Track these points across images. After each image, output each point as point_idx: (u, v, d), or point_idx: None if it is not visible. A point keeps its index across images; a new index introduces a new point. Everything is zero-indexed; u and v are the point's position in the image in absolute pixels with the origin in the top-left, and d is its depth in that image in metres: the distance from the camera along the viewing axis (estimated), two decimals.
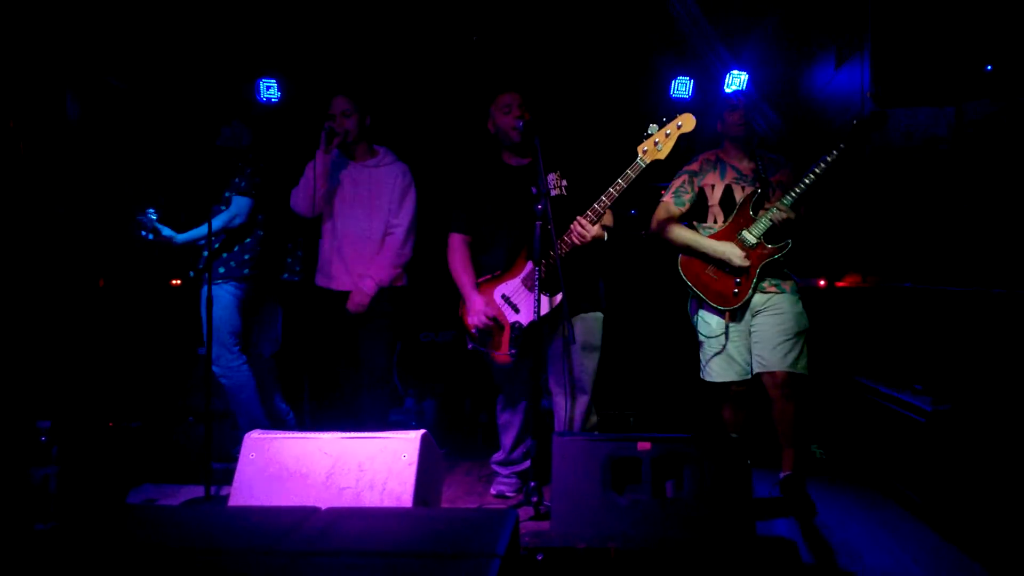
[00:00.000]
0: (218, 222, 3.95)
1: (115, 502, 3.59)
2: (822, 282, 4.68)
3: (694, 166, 3.74)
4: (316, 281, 4.04)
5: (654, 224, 3.75)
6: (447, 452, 4.63)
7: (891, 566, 2.82)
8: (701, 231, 3.69)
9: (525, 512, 3.25)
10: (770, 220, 3.48)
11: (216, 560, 1.98)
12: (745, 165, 3.69)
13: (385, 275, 3.89)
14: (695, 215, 3.75)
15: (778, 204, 3.47)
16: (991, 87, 2.95)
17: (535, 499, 3.27)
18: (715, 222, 3.66)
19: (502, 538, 2.05)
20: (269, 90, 4.97)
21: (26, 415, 3.45)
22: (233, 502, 2.82)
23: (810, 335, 3.55)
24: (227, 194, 4.08)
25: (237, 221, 4.03)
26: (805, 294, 3.67)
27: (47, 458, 3.26)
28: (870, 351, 4.24)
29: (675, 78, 5.40)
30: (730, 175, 3.67)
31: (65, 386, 4.02)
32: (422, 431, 2.86)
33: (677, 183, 3.75)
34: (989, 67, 2.82)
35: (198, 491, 3.53)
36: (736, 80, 5.21)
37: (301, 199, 3.94)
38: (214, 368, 3.93)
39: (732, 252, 3.53)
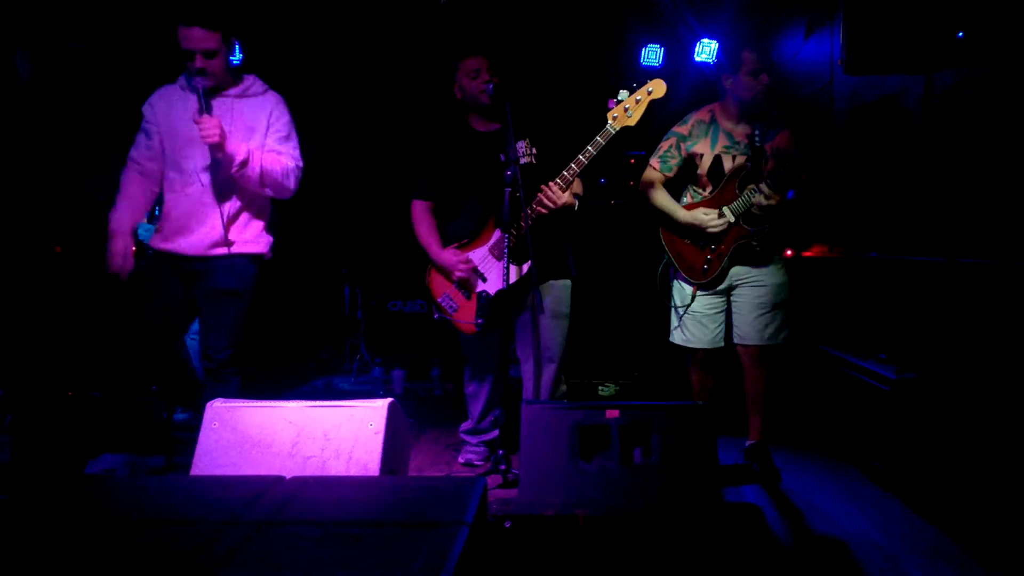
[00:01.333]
0: None
1: (73, 472, 3.51)
2: (788, 252, 4.70)
3: (684, 128, 3.52)
4: (154, 243, 3.32)
5: (641, 187, 3.63)
6: (414, 421, 4.61)
7: (854, 531, 2.87)
8: (692, 195, 3.56)
9: (493, 480, 3.25)
10: (750, 203, 3.34)
11: (177, 531, 1.93)
12: (740, 130, 3.44)
13: (262, 169, 3.18)
14: (689, 179, 3.60)
15: (762, 187, 3.31)
16: (962, 55, 2.94)
17: (503, 467, 3.26)
18: (704, 190, 3.52)
19: (470, 506, 2.03)
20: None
21: None
22: (195, 472, 2.77)
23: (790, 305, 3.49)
24: None
25: None
26: None
27: None
28: (835, 321, 4.28)
29: (645, 46, 5.36)
30: (721, 143, 3.45)
31: (19, 354, 3.92)
32: (389, 399, 2.82)
33: (665, 146, 3.56)
34: (960, 34, 2.82)
35: (160, 461, 3.47)
36: (706, 49, 5.18)
37: (144, 158, 3.29)
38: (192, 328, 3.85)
39: (705, 218, 3.43)
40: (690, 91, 5.37)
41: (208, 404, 2.89)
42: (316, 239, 6.32)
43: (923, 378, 3.22)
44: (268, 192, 3.29)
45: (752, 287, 3.48)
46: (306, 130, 3.52)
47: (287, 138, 3.34)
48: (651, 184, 3.59)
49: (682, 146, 3.53)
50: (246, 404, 2.88)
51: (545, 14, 5.40)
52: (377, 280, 5.94)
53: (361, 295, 5.92)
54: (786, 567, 2.61)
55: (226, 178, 3.21)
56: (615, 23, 5.46)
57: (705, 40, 5.16)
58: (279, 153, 3.28)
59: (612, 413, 2.63)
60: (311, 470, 2.71)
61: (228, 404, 2.89)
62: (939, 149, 3.45)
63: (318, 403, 2.82)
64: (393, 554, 1.75)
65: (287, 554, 1.79)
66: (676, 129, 3.56)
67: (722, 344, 3.56)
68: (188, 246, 3.24)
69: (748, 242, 3.41)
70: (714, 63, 5.20)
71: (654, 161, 3.60)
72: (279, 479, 2.34)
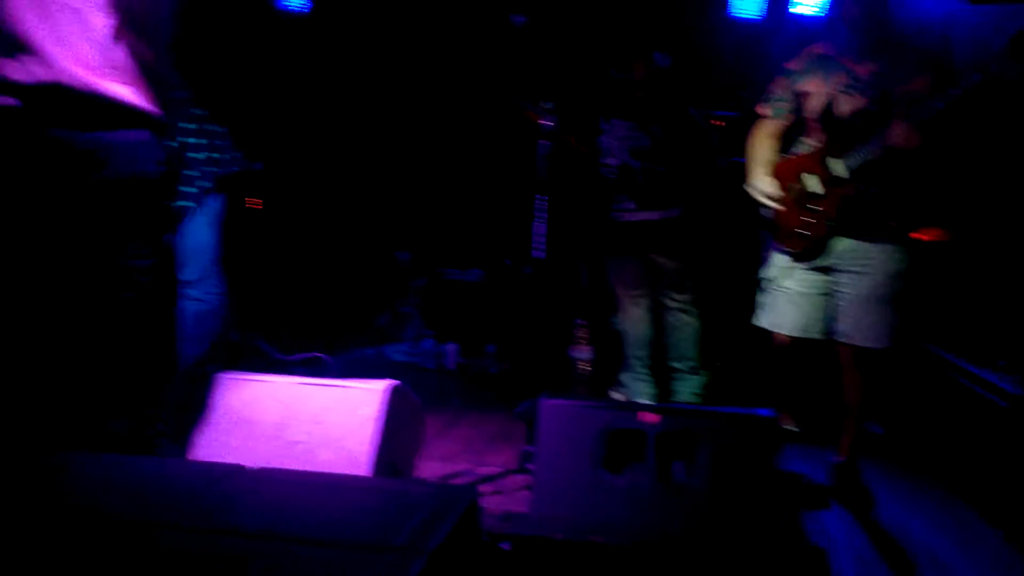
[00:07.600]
0: None
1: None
2: None
3: (794, 63, 2.92)
4: None
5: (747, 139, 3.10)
6: (461, 399, 4.25)
7: None
8: (800, 147, 2.95)
9: (519, 480, 2.84)
10: (870, 155, 2.64)
11: (79, 534, 1.60)
12: (864, 67, 2.74)
13: None
14: (798, 130, 2.97)
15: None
16: None
17: (529, 466, 2.84)
18: (812, 139, 2.88)
19: (441, 528, 1.61)
20: None
21: None
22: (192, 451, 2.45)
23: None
24: None
25: None
26: None
27: None
28: (946, 316, 3.64)
29: None
30: (837, 80, 2.77)
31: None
32: (392, 382, 2.43)
33: (776, 87, 2.98)
34: None
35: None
36: None
37: None
38: (191, 291, 3.54)
39: (762, 192, 2.93)
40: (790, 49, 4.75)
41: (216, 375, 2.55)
42: (375, 204, 6.01)
43: None
44: None
45: (858, 275, 2.79)
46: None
47: None
48: (756, 132, 3.04)
49: (793, 85, 2.91)
50: (234, 375, 2.54)
51: None
52: (434, 246, 5.62)
53: (418, 262, 5.60)
54: None
55: None
56: None
57: None
58: None
59: (650, 417, 2.15)
60: (297, 457, 2.35)
61: (232, 376, 2.55)
62: None
63: (309, 380, 2.45)
64: None
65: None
66: (786, 65, 2.95)
67: (817, 336, 2.92)
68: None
69: (862, 201, 2.74)
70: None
71: (764, 107, 3.04)
72: (239, 469, 1.97)
